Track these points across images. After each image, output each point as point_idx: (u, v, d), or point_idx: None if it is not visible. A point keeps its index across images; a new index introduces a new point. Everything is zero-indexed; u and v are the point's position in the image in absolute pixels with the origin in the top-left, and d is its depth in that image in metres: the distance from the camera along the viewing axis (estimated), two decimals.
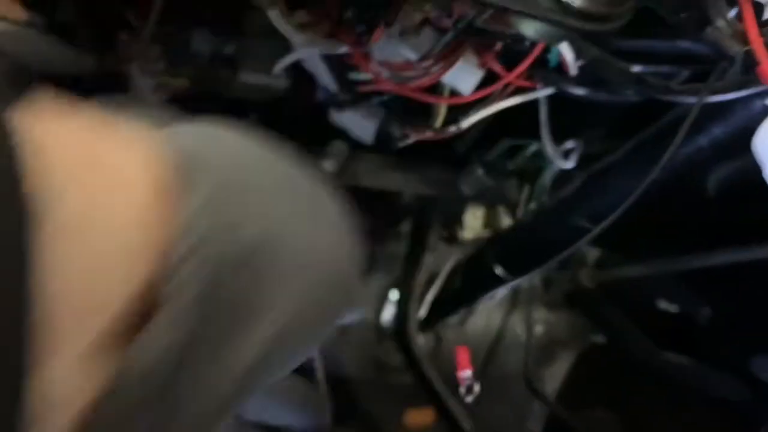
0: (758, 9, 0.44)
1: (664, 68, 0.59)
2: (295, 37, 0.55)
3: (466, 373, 0.82)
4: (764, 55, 0.45)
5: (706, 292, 1.07)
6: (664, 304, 1.19)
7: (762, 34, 0.43)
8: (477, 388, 0.75)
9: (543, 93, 0.65)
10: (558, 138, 0.75)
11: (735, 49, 0.44)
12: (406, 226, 1.17)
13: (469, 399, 0.87)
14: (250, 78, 0.71)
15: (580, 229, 0.79)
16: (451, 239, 1.16)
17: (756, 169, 0.86)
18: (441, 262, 1.12)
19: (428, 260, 1.09)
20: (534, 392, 1.13)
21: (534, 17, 0.43)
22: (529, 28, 0.45)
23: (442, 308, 1.10)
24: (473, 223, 1.18)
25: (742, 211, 1.00)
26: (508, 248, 0.92)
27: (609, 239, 1.23)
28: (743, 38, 0.45)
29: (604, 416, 1.02)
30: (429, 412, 1.17)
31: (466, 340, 1.22)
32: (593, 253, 1.25)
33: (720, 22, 0.44)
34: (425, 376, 0.99)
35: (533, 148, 0.84)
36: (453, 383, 1.06)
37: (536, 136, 0.79)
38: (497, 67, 0.62)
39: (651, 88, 0.57)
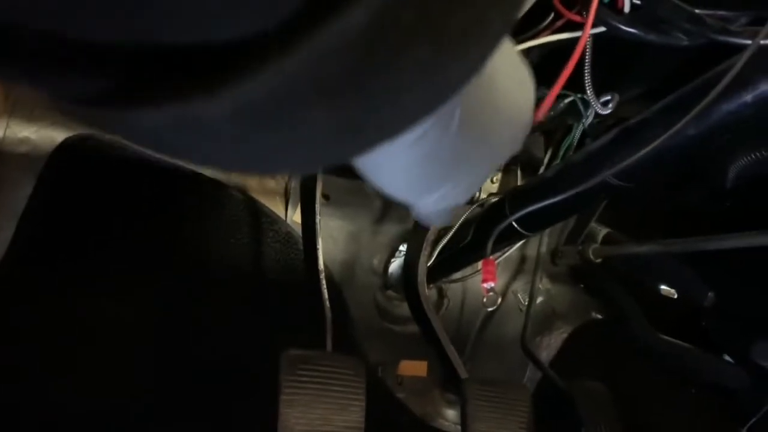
0: None
1: (723, 12, 0.59)
2: None
3: (489, 285, 0.82)
4: None
5: (712, 277, 1.08)
6: (666, 290, 1.19)
7: None
8: (499, 300, 0.75)
9: (592, 31, 0.65)
10: (599, 87, 0.75)
11: None
12: None
13: (490, 309, 0.88)
14: None
15: (605, 185, 0.79)
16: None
17: None
18: (453, 219, 1.12)
19: None
20: (529, 356, 1.13)
21: None
22: None
23: (449, 262, 1.11)
24: (489, 186, 1.18)
25: (756, 200, 1.01)
26: (528, 201, 0.92)
27: (620, 219, 1.24)
28: None
29: (595, 388, 1.03)
30: (423, 365, 1.17)
31: (467, 298, 1.23)
32: (603, 231, 1.25)
33: None
34: (429, 323, 0.99)
35: (567, 100, 0.84)
36: (451, 336, 1.07)
37: (572, 87, 0.79)
38: None
39: (706, 27, 0.57)
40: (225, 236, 1.01)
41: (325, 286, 0.92)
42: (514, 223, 0.93)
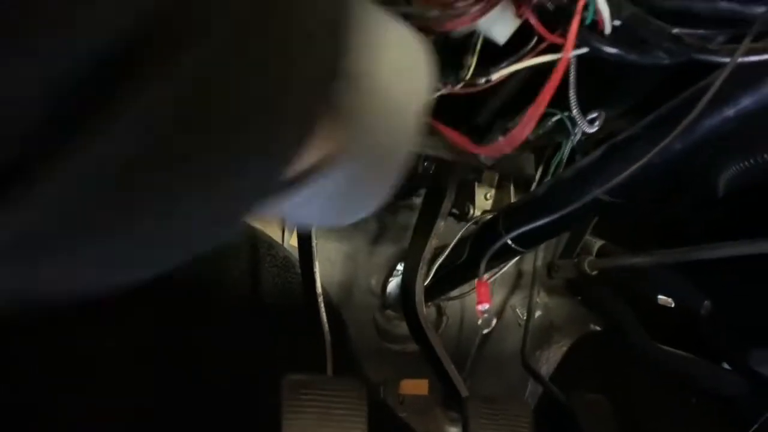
0: None
1: (702, 31, 0.60)
2: None
3: (484, 307, 0.83)
4: None
5: (708, 286, 1.09)
6: (662, 299, 1.20)
7: None
8: (494, 322, 0.76)
9: (575, 52, 0.67)
10: (585, 105, 0.76)
11: None
12: (418, 200, 1.18)
13: (485, 331, 0.89)
14: None
15: (595, 201, 0.80)
16: (461, 217, 1.17)
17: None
18: (449, 237, 1.13)
19: (440, 223, 1.09)
20: (529, 371, 1.14)
21: None
22: None
23: (446, 280, 1.11)
24: (483, 203, 1.19)
25: (748, 207, 1.02)
26: (521, 219, 0.93)
27: (614, 230, 1.26)
28: None
29: (596, 400, 1.03)
30: (424, 384, 1.18)
31: (466, 315, 1.24)
32: (597, 243, 1.26)
33: None
34: (428, 342, 1.00)
35: (555, 118, 0.85)
36: (451, 353, 1.07)
37: (559, 105, 0.81)
38: (534, 20, 0.63)
39: (686, 46, 0.58)
40: (223, 263, 1.02)
41: (323, 310, 0.93)
42: (508, 241, 0.94)
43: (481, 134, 0.94)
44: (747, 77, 0.60)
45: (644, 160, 0.63)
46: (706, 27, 0.60)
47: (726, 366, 1.06)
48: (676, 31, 0.60)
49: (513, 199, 1.17)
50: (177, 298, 0.99)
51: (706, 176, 1.00)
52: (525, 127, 0.68)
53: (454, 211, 1.17)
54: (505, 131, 0.91)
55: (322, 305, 0.94)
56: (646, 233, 1.24)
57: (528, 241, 0.94)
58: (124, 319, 0.94)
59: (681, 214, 1.13)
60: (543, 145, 0.97)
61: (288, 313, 1.05)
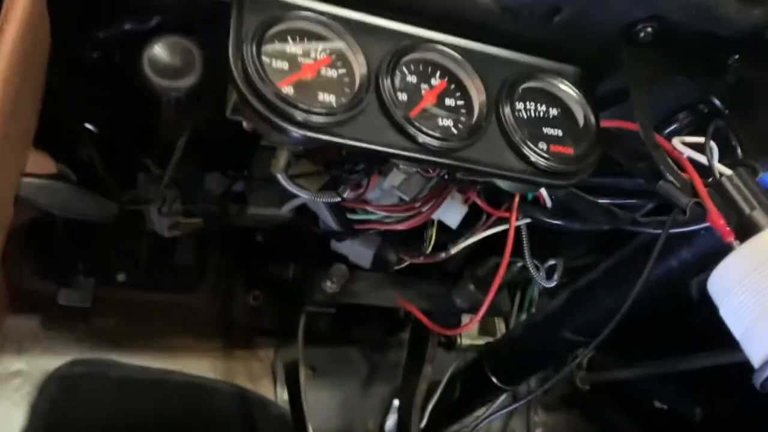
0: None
1: (631, 201, 0.65)
2: (299, 192, 0.60)
3: None
4: (713, 212, 0.50)
5: (697, 393, 1.10)
6: (658, 404, 1.21)
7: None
8: None
9: (522, 222, 0.72)
10: (541, 254, 0.81)
11: (685, 200, 0.50)
12: (405, 335, 1.20)
13: None
14: (258, 211, 0.77)
15: (568, 341, 0.84)
16: (449, 345, 1.20)
17: None
18: (440, 370, 1.15)
19: (428, 369, 1.11)
20: None
21: (506, 177, 0.49)
22: (504, 184, 0.51)
23: (442, 417, 1.13)
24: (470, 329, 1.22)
25: None
26: (503, 359, 0.96)
27: (600, 343, 1.28)
28: (692, 190, 0.51)
29: None
30: None
31: None
32: (587, 355, 1.28)
33: (670, 178, 0.50)
34: None
35: (520, 263, 0.90)
36: None
37: (521, 253, 0.85)
38: (480, 202, 0.69)
39: (618, 220, 0.63)
40: (217, 427, 1.03)
41: None
42: (494, 380, 0.97)
43: (453, 280, 0.99)
44: (683, 234, 0.64)
45: (609, 327, 0.66)
46: (634, 198, 0.65)
47: None
48: (606, 201, 0.65)
49: (497, 323, 1.20)
50: None
51: (677, 284, 1.03)
52: (486, 305, 0.73)
53: (442, 340, 1.20)
54: (474, 277, 0.95)
55: None
56: (633, 339, 1.26)
57: (512, 379, 0.97)
58: None
59: (662, 323, 1.16)
60: (515, 283, 1.01)
61: None
